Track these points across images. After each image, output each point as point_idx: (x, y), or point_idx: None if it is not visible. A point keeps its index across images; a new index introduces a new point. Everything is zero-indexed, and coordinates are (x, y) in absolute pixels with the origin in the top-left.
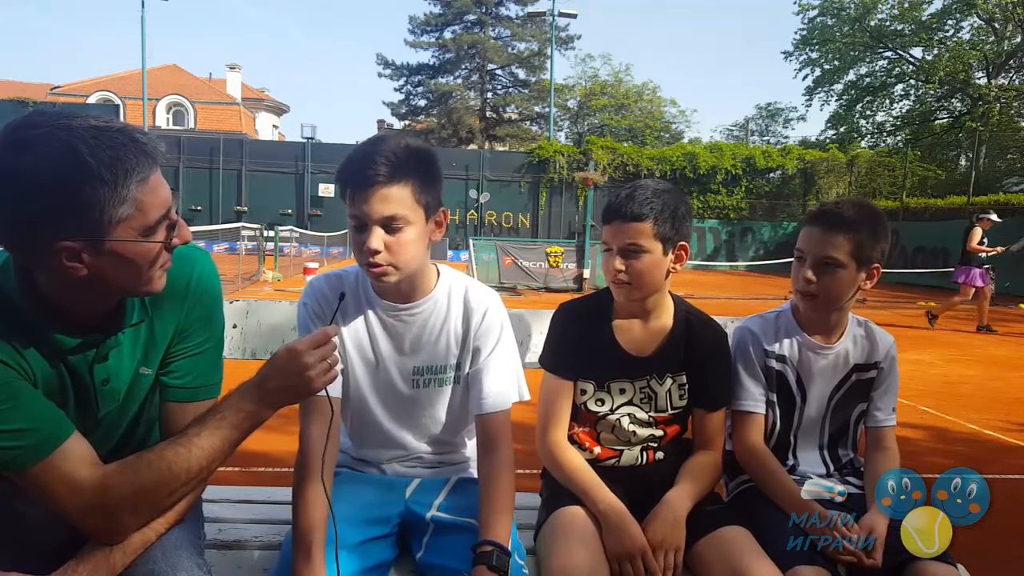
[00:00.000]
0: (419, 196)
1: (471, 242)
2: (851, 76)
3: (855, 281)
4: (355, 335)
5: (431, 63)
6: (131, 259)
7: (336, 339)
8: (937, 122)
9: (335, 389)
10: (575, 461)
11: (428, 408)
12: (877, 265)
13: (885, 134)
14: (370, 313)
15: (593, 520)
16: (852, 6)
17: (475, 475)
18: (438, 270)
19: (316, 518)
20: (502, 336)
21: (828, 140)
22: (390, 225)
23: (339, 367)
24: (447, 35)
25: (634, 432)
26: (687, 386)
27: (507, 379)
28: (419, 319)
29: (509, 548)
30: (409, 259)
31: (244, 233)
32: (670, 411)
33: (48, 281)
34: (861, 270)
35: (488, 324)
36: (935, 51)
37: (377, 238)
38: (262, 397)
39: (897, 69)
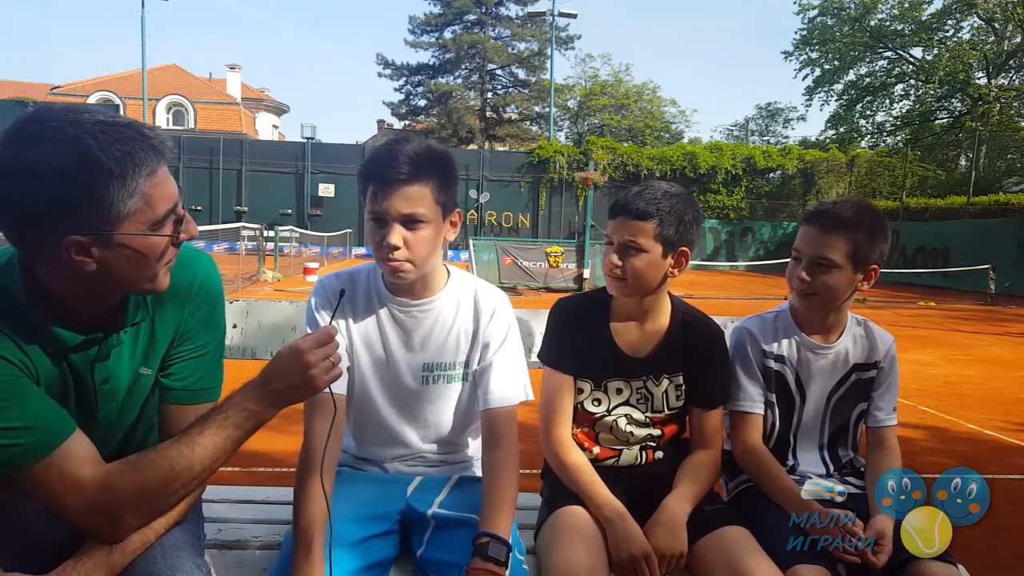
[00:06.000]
0: (438, 195)
1: (471, 242)
2: (851, 76)
3: (851, 282)
4: (365, 331)
5: (431, 63)
6: (139, 252)
7: (340, 338)
8: (937, 122)
9: (339, 386)
10: (578, 460)
11: (435, 405)
12: (875, 266)
13: (885, 134)
14: (381, 310)
15: (594, 520)
16: (852, 6)
17: (477, 474)
18: (448, 270)
19: (317, 514)
20: (509, 335)
21: (828, 140)
22: (410, 222)
23: (344, 365)
24: (447, 35)
25: (631, 432)
26: (684, 387)
27: (513, 377)
28: (430, 316)
29: (509, 541)
30: (426, 256)
31: (244, 233)
32: (666, 412)
33: (53, 277)
34: (858, 271)
35: (497, 323)
36: (935, 51)
37: (397, 235)
38: (266, 397)
39: (897, 69)
